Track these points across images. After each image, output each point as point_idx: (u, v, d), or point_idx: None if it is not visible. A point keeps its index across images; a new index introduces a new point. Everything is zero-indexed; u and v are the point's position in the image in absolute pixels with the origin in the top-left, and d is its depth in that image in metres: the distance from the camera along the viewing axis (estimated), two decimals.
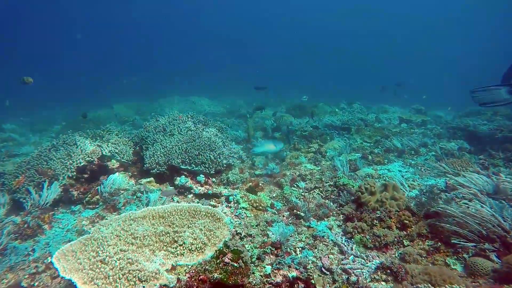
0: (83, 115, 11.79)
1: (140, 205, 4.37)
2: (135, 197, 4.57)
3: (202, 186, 4.76)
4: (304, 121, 11.25)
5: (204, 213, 3.32)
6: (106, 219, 4.12)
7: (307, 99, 13.83)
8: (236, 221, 3.96)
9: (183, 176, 4.86)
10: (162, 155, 5.22)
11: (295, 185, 5.24)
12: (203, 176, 4.89)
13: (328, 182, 5.22)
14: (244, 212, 4.17)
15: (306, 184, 5.40)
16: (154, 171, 5.13)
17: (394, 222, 3.84)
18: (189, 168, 5.12)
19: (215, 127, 6.49)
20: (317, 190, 5.05)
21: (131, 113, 12.92)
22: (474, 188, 4.53)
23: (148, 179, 5.08)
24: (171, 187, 4.92)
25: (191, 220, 3.17)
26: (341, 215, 4.22)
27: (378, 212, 3.99)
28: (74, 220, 4.05)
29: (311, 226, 3.97)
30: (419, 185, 5.17)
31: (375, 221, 3.87)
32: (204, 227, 3.01)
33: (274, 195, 4.92)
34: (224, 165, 5.46)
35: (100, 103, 14.83)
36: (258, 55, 54.90)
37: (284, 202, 4.65)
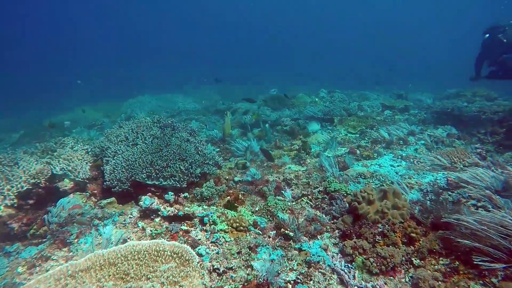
0: (50, 124, 10.65)
1: (97, 236, 3.56)
2: (91, 225, 3.74)
3: (171, 205, 3.97)
4: (284, 113, 10.56)
5: (169, 253, 2.56)
6: (52, 259, 3.29)
7: (276, 92, 13.17)
8: (213, 251, 3.22)
9: (148, 196, 4.05)
10: (123, 170, 4.39)
11: (281, 193, 4.54)
12: (172, 193, 4.10)
13: (318, 187, 4.55)
14: (223, 236, 3.44)
15: (293, 190, 4.72)
16: (115, 189, 4.30)
17: (399, 237, 3.21)
18: (157, 183, 4.32)
19: (186, 131, 5.67)
20: (306, 198, 4.37)
21: (99, 116, 11.83)
22: (481, 185, 3.97)
23: (109, 200, 4.25)
24: (134, 210, 4.11)
25: (152, 266, 2.41)
26: (337, 230, 3.56)
27: (379, 225, 3.35)
28: (7, 266, 3.19)
29: (303, 248, 3.28)
30: (418, 183, 4.58)
31: (377, 237, 3.22)
32: (168, 278, 2.26)
33: (256, 208, 4.20)
34: (198, 175, 4.70)
35: (66, 106, 13.58)
36: (234, 45, 53.37)
37: (269, 217, 3.95)
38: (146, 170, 4.34)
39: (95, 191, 4.63)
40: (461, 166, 4.94)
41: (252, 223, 3.73)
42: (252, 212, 4.09)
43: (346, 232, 3.40)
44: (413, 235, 3.19)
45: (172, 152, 4.69)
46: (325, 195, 4.28)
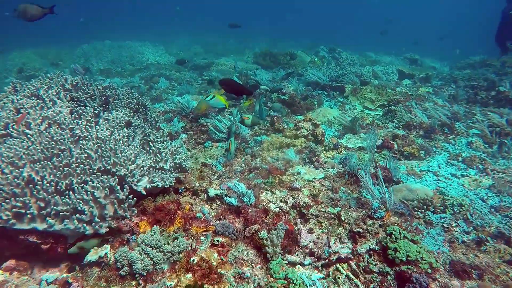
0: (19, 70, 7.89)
1: None
2: None
3: None
4: (279, 75, 8.01)
5: None
6: None
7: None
8: None
9: (9, 265, 1.68)
10: None
11: (294, 247, 2.28)
12: (53, 279, 1.74)
13: (361, 235, 2.31)
14: None
15: (312, 232, 2.48)
16: None
17: None
18: (40, 228, 1.95)
19: (130, 105, 3.16)
20: (344, 266, 2.14)
21: (43, 63, 8.84)
22: None
23: None
24: None
25: None
26: None
27: None
28: None
29: None
30: None
31: None
32: None
33: None
34: (139, 194, 2.37)
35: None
36: None
37: None
38: (16, 200, 1.92)
39: None
40: None
41: None
42: None
43: None
44: None
45: (85, 156, 2.26)
46: (385, 266, 2.04)
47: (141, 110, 3.28)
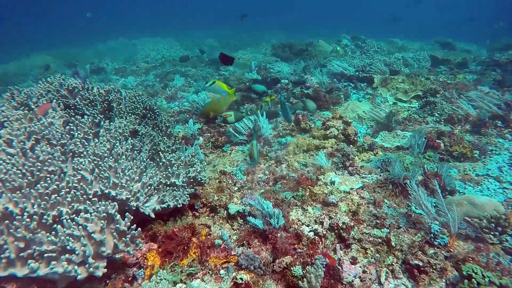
0: (46, 67, 7.78)
1: None
2: None
3: None
4: (300, 66, 7.42)
5: None
6: None
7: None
8: None
9: None
10: None
11: (338, 284, 1.79)
12: None
13: (423, 268, 1.79)
14: None
15: (356, 262, 1.98)
16: None
17: None
18: (19, 273, 1.57)
19: (135, 112, 2.72)
20: None
21: (59, 65, 8.65)
22: None
23: None
24: None
25: None
26: None
27: None
28: None
29: None
30: None
31: None
32: None
33: None
34: (139, 230, 1.95)
35: (15, 51, 10.20)
36: None
37: None
38: None
39: None
40: None
41: None
42: None
43: None
44: None
45: (78, 178, 1.85)
46: None
47: (149, 115, 2.85)
